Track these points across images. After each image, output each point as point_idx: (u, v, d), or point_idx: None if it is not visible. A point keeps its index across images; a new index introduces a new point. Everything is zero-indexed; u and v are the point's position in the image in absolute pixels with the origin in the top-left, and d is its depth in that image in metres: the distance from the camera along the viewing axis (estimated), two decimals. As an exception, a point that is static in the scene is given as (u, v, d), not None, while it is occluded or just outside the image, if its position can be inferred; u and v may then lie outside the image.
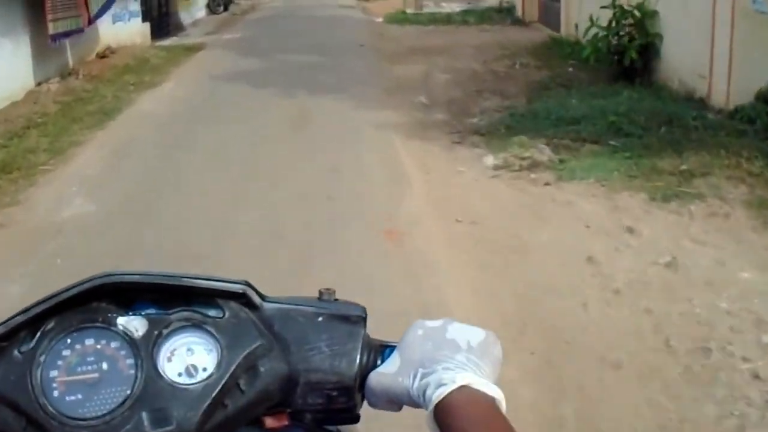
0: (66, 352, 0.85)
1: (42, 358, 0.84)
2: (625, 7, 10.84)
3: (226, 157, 7.57)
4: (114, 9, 15.07)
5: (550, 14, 17.91)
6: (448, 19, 20.00)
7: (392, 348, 0.91)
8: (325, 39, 16.42)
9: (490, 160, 7.24)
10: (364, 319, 0.92)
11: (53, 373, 0.84)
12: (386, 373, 0.87)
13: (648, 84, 10.32)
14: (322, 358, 0.89)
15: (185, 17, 21.31)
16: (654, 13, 10.62)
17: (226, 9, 25.06)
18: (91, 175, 7.31)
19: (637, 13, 10.73)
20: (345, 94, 10.42)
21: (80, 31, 12.01)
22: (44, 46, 11.10)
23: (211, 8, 24.39)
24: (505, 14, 20.42)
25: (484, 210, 6.05)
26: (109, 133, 9.08)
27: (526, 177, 6.77)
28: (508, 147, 7.61)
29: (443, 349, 0.85)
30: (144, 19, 17.03)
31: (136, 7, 16.41)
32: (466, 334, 0.87)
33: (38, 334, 0.85)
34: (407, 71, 12.25)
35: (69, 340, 0.85)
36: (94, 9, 12.51)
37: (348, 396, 0.90)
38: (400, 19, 20.84)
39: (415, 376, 0.84)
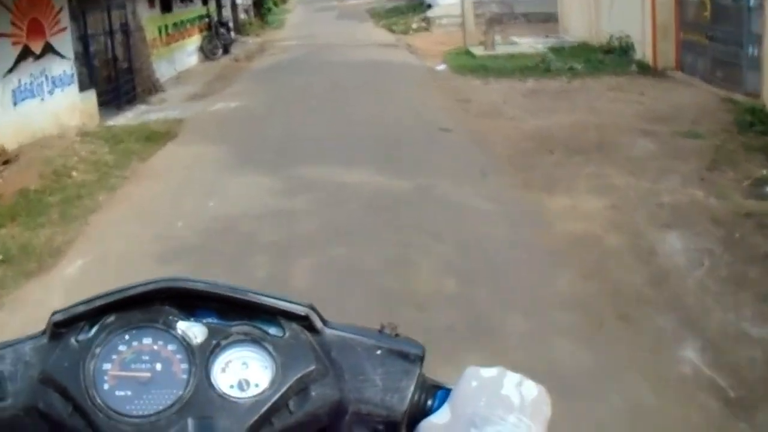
0: (122, 348, 0.84)
1: (98, 350, 0.84)
2: None
3: None
4: (16, 79, 8.76)
5: (700, 59, 12.05)
6: (544, 67, 13.63)
7: (445, 390, 0.86)
8: (377, 114, 9.96)
9: None
10: (422, 358, 0.89)
11: (106, 366, 0.83)
12: (436, 424, 0.83)
13: None
14: (375, 391, 0.87)
15: (166, 69, 14.99)
16: None
17: (226, 52, 18.73)
18: None
19: None
20: (501, 348, 3.98)
21: None
22: None
23: (206, 52, 18.03)
24: (620, 56, 14.14)
25: None
26: None
27: None
28: None
29: (497, 408, 0.81)
30: (87, 85, 10.73)
31: (66, 68, 10.08)
32: (520, 389, 0.82)
33: (97, 326, 0.85)
34: (580, 220, 5.83)
35: (127, 337, 0.85)
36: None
37: None
38: (471, 65, 14.48)
39: None
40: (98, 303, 0.85)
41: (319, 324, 0.88)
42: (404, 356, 0.88)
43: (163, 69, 14.76)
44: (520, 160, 7.43)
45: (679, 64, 13.04)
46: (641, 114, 9.64)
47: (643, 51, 13.73)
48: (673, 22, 13.05)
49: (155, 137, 9.64)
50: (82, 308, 0.85)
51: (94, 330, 0.85)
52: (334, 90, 12.09)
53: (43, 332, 0.87)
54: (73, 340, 0.85)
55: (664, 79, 12.58)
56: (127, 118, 11.43)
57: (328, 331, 0.88)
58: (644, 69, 13.23)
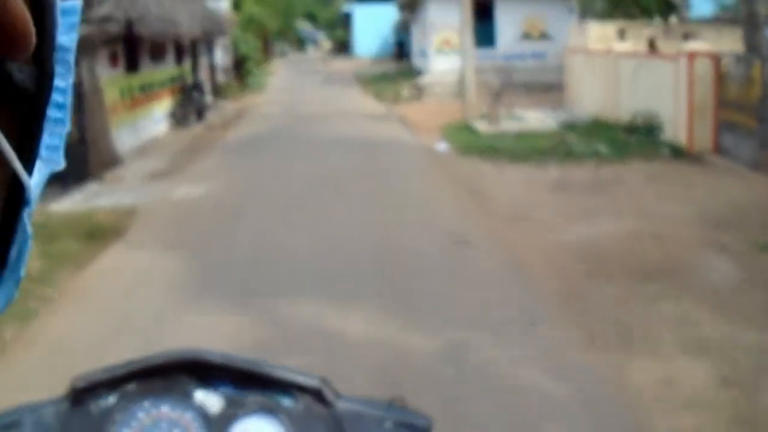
0: (141, 414, 0.86)
1: (118, 417, 0.86)
2: None
3: None
4: None
5: (744, 143, 11.05)
6: (565, 149, 11.85)
7: None
8: (373, 216, 8.08)
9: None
10: (429, 430, 0.93)
11: None
12: None
13: None
14: None
15: (128, 138, 13.10)
16: None
17: (201, 117, 16.91)
18: None
19: None
20: None
21: None
22: None
23: (178, 118, 16.18)
24: (645, 136, 12.48)
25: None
26: None
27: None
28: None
29: None
30: (23, 164, 8.78)
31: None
32: None
33: (118, 393, 0.87)
34: (687, 410, 3.94)
35: (146, 404, 0.87)
36: None
37: None
38: (477, 145, 12.70)
39: None
40: (118, 372, 0.87)
41: (331, 396, 0.91)
42: (412, 428, 0.91)
43: (124, 138, 12.87)
44: (573, 295, 5.54)
45: (719, 147, 11.38)
46: (699, 217, 7.86)
47: (675, 131, 12.06)
48: (712, 101, 11.43)
49: (99, 234, 7.70)
50: (102, 376, 0.87)
51: (114, 397, 0.86)
52: (320, 178, 10.22)
53: (65, 397, 0.87)
54: (93, 406, 0.86)
55: (704, 165, 10.91)
56: (73, 202, 9.52)
57: (340, 404, 0.92)
58: (677, 153, 11.55)
